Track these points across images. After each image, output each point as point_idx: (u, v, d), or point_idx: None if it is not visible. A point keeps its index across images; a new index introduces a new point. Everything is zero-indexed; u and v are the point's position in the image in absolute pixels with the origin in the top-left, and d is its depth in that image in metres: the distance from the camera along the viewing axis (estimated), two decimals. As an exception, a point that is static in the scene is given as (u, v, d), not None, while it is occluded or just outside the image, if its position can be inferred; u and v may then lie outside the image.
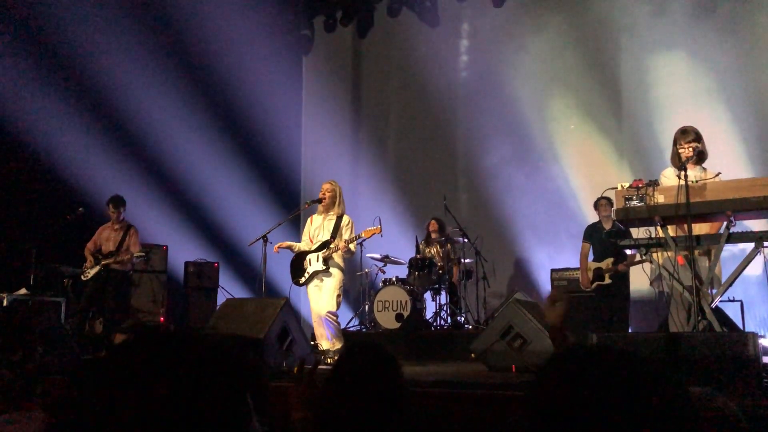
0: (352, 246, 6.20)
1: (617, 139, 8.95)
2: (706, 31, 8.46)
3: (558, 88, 9.46)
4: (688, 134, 4.76)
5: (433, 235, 8.74)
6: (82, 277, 7.55)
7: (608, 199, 7.11)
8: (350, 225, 6.27)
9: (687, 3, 8.71)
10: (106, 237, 7.68)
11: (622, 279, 7.28)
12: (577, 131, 9.23)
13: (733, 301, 6.87)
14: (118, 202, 7.74)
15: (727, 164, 7.52)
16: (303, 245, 6.40)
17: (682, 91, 8.47)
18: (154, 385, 0.97)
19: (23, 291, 7.45)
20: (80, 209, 7.86)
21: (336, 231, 6.22)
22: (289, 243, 6.49)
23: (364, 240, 6.43)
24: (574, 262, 7.76)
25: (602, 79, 9.11)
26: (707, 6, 8.60)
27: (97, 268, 7.48)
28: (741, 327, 6.48)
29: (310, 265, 6.21)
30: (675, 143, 4.81)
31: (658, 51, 8.78)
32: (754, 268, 5.49)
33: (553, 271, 8.16)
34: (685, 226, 4.23)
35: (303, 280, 6.26)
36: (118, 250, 7.56)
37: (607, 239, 7.04)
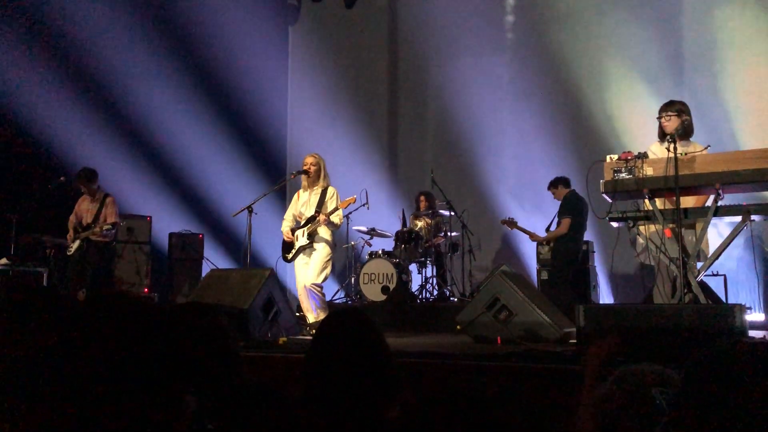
0: (334, 218, 6.10)
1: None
2: None
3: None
4: (673, 105, 4.74)
5: (422, 208, 8.71)
6: (67, 252, 7.45)
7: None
8: (335, 197, 6.18)
9: None
10: (85, 209, 7.54)
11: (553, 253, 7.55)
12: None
13: (717, 275, 6.91)
14: (83, 177, 7.40)
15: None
16: (286, 224, 6.33)
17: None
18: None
19: (4, 260, 7.36)
20: (61, 178, 7.72)
21: (321, 204, 6.15)
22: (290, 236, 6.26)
23: (339, 210, 6.25)
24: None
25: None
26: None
27: (77, 242, 7.38)
28: (724, 301, 6.54)
29: (297, 240, 6.17)
30: (660, 116, 4.79)
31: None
32: (738, 242, 5.50)
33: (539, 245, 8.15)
34: (674, 198, 4.22)
35: (290, 255, 6.21)
36: (96, 222, 7.43)
37: None
